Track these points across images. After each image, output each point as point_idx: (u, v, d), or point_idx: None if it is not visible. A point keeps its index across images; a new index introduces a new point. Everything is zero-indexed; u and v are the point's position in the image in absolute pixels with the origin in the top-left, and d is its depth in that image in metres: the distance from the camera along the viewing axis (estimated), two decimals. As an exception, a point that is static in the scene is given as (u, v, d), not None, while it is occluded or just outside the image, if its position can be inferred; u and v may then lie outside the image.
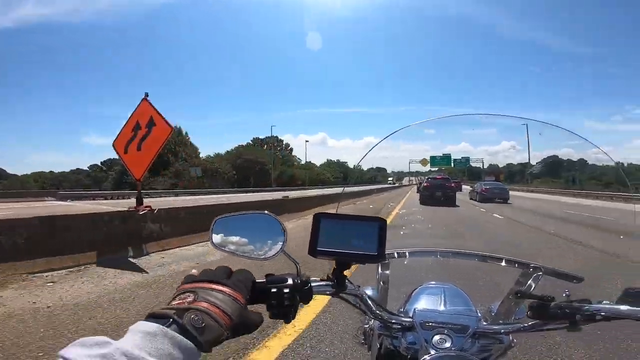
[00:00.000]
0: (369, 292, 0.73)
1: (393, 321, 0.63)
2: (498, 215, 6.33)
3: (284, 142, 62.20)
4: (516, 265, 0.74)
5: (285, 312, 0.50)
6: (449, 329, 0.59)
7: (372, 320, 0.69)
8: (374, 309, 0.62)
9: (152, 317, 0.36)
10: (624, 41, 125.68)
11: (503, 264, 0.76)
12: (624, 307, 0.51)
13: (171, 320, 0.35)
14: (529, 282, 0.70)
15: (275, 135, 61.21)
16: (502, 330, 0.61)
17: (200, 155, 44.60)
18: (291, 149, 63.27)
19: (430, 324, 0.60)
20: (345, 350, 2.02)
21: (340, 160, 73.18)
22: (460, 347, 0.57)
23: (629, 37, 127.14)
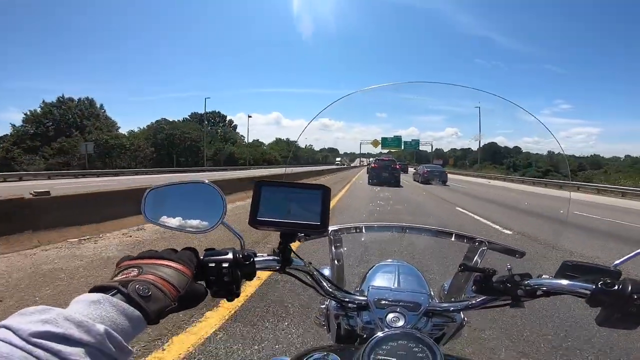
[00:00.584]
0: (325, 271, 0.72)
1: (347, 300, 0.62)
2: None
3: (227, 118, 57.22)
4: (465, 240, 0.76)
5: (227, 288, 0.48)
6: (402, 307, 0.58)
7: (329, 301, 0.67)
8: (327, 287, 0.60)
9: (96, 289, 0.35)
10: (558, 42, 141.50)
11: (452, 238, 0.78)
12: (564, 282, 0.52)
13: (116, 290, 0.34)
14: (475, 257, 0.72)
15: (217, 111, 56.33)
16: (452, 308, 0.61)
17: (121, 131, 38.58)
18: (235, 126, 58.47)
19: (383, 302, 0.59)
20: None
21: (291, 140, 70.73)
22: (414, 325, 0.57)
23: (562, 39, 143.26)
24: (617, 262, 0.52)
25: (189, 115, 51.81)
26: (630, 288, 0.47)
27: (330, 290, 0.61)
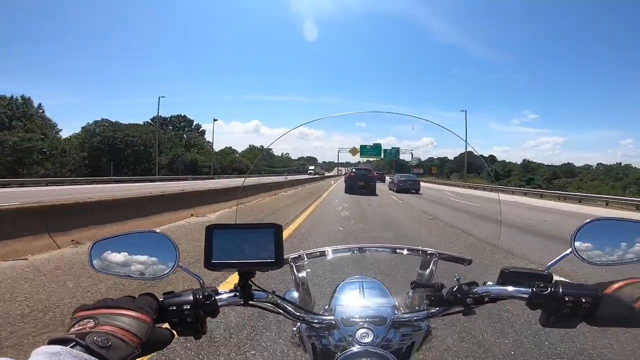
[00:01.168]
0: (294, 294, 0.74)
1: (315, 321, 0.63)
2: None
3: (194, 123, 53.08)
4: (420, 253, 0.79)
5: (192, 328, 0.51)
6: (369, 322, 0.60)
7: (299, 323, 0.68)
8: (293, 312, 0.62)
9: (54, 342, 0.35)
10: (525, 53, 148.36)
11: (405, 252, 0.80)
12: (508, 288, 0.55)
13: (74, 342, 0.35)
14: (430, 267, 0.74)
15: (182, 114, 51.50)
16: (415, 318, 0.64)
17: (62, 134, 33.15)
18: (203, 131, 53.73)
19: (352, 319, 0.61)
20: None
21: (266, 147, 69.28)
22: (383, 338, 0.59)
23: (529, 49, 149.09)
24: (548, 264, 0.56)
25: (150, 119, 45.64)
26: (561, 290, 0.50)
27: (298, 314, 0.63)
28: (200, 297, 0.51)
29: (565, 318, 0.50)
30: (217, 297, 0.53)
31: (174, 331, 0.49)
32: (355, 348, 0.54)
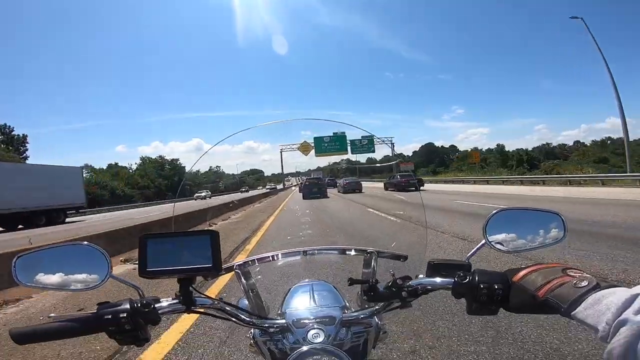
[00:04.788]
0: (245, 302, 0.73)
1: (267, 325, 0.63)
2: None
3: (21, 137, 39.43)
4: (365, 252, 0.80)
5: (131, 335, 0.51)
6: (319, 322, 0.61)
7: (252, 328, 0.68)
8: (244, 317, 0.62)
9: None
10: (445, 53, 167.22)
11: (353, 253, 0.82)
12: (437, 280, 0.58)
13: None
14: (372, 265, 0.75)
15: None
16: (362, 316, 0.65)
17: None
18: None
19: (302, 321, 0.62)
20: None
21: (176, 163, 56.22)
22: (334, 337, 0.60)
23: (449, 50, 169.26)
24: (468, 255, 0.60)
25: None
26: (477, 278, 0.52)
27: (249, 319, 0.63)
28: (139, 305, 0.52)
29: (485, 305, 0.51)
30: (157, 305, 0.54)
31: (110, 337, 0.51)
32: (305, 347, 0.55)
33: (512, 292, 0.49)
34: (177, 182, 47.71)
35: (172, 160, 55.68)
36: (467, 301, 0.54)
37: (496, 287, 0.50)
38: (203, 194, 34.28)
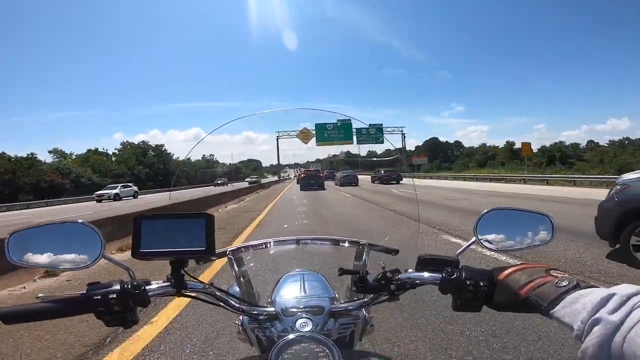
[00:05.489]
0: (236, 288, 0.73)
1: (256, 312, 0.64)
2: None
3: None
4: (357, 244, 0.80)
5: (120, 317, 0.51)
6: (307, 312, 0.62)
7: (241, 316, 0.68)
8: (234, 304, 0.62)
9: None
10: (445, 51, 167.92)
11: (346, 244, 0.82)
12: (425, 274, 0.58)
13: None
14: (363, 257, 0.76)
15: None
16: (350, 307, 0.65)
17: None
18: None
19: (291, 310, 0.62)
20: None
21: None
22: (322, 327, 0.60)
23: (449, 48, 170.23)
24: (458, 251, 0.61)
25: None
26: (464, 275, 0.53)
27: (238, 306, 0.63)
28: (129, 286, 0.52)
29: (470, 302, 0.52)
30: (148, 287, 0.54)
31: (98, 319, 0.50)
32: (294, 335, 0.56)
33: (496, 290, 0.50)
34: (161, 171, 44.46)
35: (157, 146, 50.07)
36: (453, 297, 0.54)
37: (481, 284, 0.51)
38: (220, 182, 33.40)
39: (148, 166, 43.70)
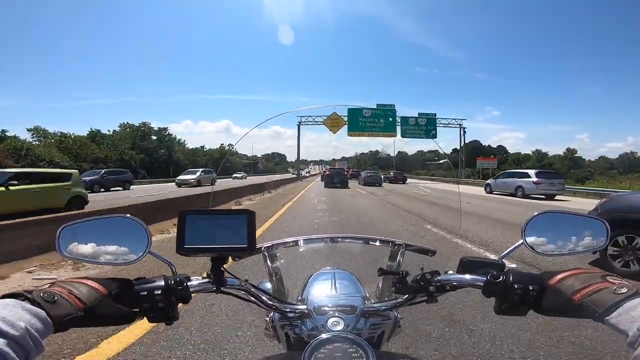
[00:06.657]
0: (267, 285, 0.74)
1: (288, 310, 0.64)
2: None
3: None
4: (390, 244, 0.80)
5: (163, 313, 0.51)
6: (339, 311, 0.61)
7: (272, 312, 0.68)
8: (266, 301, 0.63)
9: (6, 296, 0.38)
10: (483, 52, 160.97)
11: (377, 243, 0.82)
12: (466, 277, 0.57)
13: (23, 297, 0.38)
14: (397, 258, 0.75)
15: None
16: (383, 307, 0.65)
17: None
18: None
19: (323, 308, 0.62)
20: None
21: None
22: (353, 326, 0.60)
23: (486, 48, 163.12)
24: (502, 254, 0.59)
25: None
26: (511, 278, 0.52)
27: (271, 303, 0.63)
28: (172, 282, 0.51)
29: (516, 306, 0.51)
30: (189, 284, 0.54)
31: (141, 315, 0.50)
32: (327, 334, 0.55)
33: (546, 295, 0.49)
34: (161, 157, 39.75)
35: (160, 129, 44.01)
36: (497, 300, 0.53)
37: (530, 288, 0.50)
38: (239, 175, 32.38)
39: (145, 151, 37.79)
